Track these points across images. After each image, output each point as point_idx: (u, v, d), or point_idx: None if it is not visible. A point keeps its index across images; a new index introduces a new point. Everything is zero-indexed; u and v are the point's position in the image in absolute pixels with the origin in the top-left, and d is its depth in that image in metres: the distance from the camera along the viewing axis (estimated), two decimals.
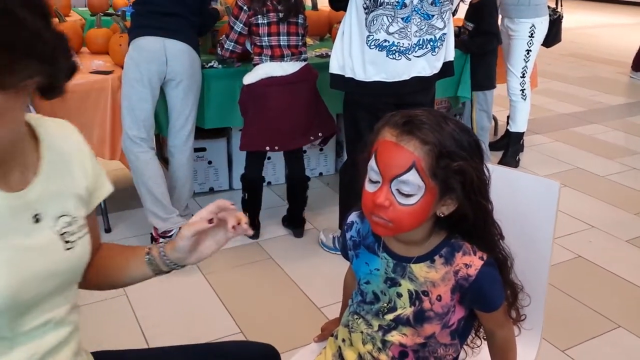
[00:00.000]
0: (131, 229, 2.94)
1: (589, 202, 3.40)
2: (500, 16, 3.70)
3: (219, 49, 2.74)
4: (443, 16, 2.35)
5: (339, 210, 2.75)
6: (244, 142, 2.71)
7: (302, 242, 2.89)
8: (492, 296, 1.12)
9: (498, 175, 1.13)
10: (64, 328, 0.99)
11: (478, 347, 1.28)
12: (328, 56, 2.68)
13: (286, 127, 2.66)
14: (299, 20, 2.64)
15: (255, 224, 2.88)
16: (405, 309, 1.13)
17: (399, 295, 1.14)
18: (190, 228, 1.02)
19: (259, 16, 2.57)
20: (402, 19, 2.27)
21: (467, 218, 1.07)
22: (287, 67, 2.61)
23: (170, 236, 2.65)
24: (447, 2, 2.34)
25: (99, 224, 2.82)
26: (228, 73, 2.91)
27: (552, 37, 3.76)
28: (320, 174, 3.69)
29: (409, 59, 2.34)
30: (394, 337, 1.15)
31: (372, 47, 2.31)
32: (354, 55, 2.35)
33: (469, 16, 3.52)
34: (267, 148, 2.70)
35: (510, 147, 3.89)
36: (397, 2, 2.24)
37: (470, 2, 3.30)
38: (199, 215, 1.02)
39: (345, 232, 1.25)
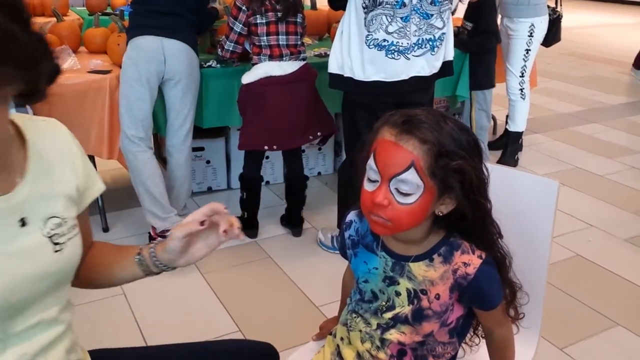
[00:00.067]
0: (129, 229, 2.94)
1: (588, 201, 3.40)
2: (499, 16, 3.70)
3: (219, 50, 2.74)
4: (442, 16, 2.34)
5: (337, 210, 2.75)
6: (243, 141, 2.71)
7: (300, 242, 2.89)
8: (490, 295, 1.12)
9: (497, 174, 1.14)
10: (56, 327, 0.98)
11: (476, 345, 1.28)
12: (327, 56, 2.68)
13: (285, 126, 2.65)
14: (298, 20, 2.64)
15: (253, 223, 2.88)
16: (404, 308, 1.13)
17: (398, 293, 1.14)
18: (182, 229, 1.01)
19: (257, 16, 2.56)
20: (401, 18, 2.27)
21: (466, 217, 1.07)
22: (286, 67, 2.60)
23: None
24: (447, 2, 2.34)
25: (98, 224, 2.87)
26: (226, 72, 2.91)
27: (552, 36, 3.76)
28: (319, 173, 3.69)
29: (408, 59, 2.34)
30: (393, 335, 1.15)
31: (371, 46, 2.31)
32: (353, 55, 2.35)
33: (467, 16, 3.52)
34: (266, 147, 2.69)
35: (509, 146, 3.89)
36: (397, 1, 2.23)
37: (469, 1, 3.30)
38: (191, 217, 1.01)
39: (344, 231, 1.25)
